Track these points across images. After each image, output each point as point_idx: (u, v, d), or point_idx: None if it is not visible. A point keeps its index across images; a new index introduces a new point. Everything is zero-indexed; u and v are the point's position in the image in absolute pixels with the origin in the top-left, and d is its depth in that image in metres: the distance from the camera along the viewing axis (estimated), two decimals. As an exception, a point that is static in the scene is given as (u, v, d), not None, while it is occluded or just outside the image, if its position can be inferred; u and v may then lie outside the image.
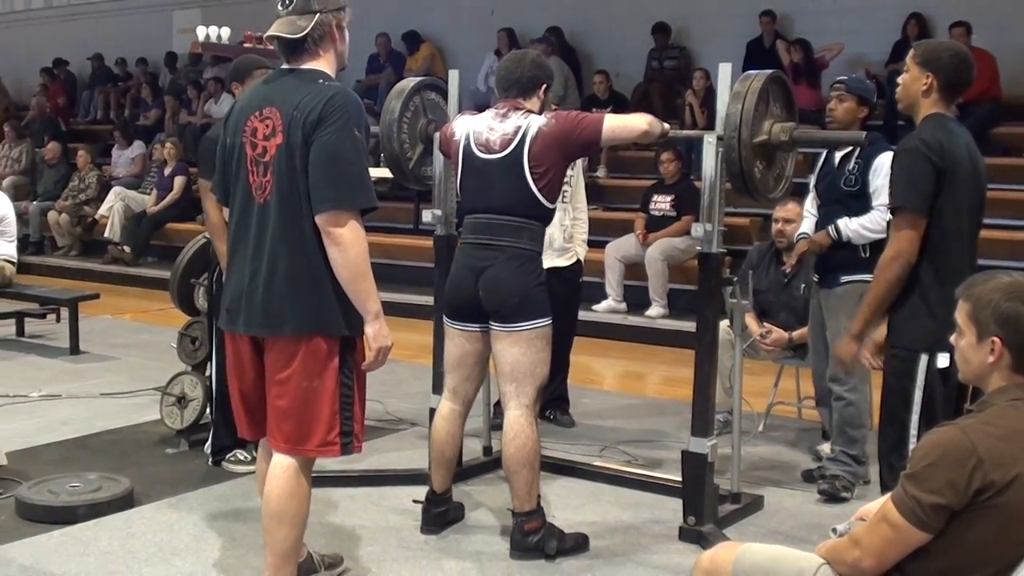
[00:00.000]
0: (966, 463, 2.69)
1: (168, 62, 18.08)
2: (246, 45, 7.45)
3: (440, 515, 5.05)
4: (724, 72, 4.88)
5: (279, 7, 3.89)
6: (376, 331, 3.85)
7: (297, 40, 3.84)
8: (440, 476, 5.01)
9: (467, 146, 4.80)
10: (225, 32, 7.59)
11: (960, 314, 2.93)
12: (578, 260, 6.79)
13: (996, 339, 2.82)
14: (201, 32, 7.46)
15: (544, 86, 4.85)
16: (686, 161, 10.55)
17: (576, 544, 4.83)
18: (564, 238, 6.62)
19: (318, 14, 3.83)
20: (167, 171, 14.22)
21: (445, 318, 4.94)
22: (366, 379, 4.01)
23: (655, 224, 10.25)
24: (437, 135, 5.35)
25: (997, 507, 2.70)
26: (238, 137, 3.92)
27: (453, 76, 5.73)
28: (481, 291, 4.68)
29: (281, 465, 3.91)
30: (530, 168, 4.63)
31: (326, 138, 3.71)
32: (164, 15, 18.22)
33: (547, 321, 4.74)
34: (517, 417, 4.70)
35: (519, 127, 4.69)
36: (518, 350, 4.68)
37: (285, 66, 3.95)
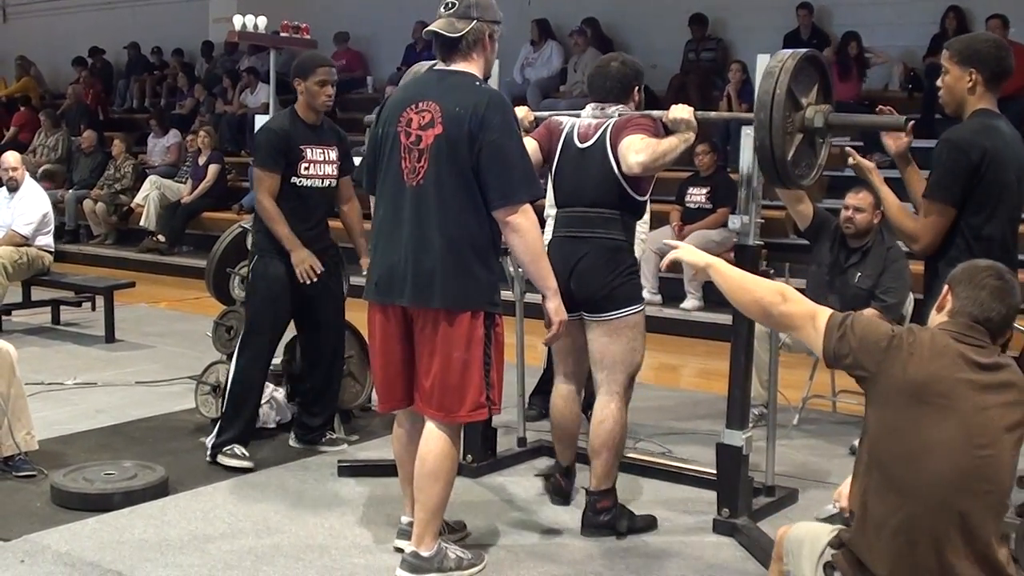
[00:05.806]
0: (885, 339, 3.08)
1: (204, 51, 18.15)
2: (283, 35, 7.47)
3: (568, 487, 5.32)
4: (761, 64, 4.66)
5: (441, 8, 4.25)
6: (556, 306, 4.31)
7: (453, 40, 4.22)
8: (564, 450, 5.24)
9: (569, 134, 4.99)
10: (262, 21, 7.59)
11: None
12: None
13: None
14: (238, 21, 7.46)
15: (636, 87, 5.02)
16: (722, 153, 10.51)
17: (646, 525, 4.99)
18: None
19: (475, 21, 4.21)
20: (201, 160, 14.24)
21: None
22: (503, 350, 4.36)
23: (691, 216, 10.23)
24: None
25: (877, 395, 3.08)
26: (391, 127, 4.27)
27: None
28: (573, 284, 4.79)
29: (436, 430, 4.28)
30: (613, 155, 4.78)
31: (494, 140, 4.08)
32: (200, 4, 18.23)
33: (636, 309, 4.89)
34: (607, 403, 4.88)
35: (609, 117, 4.90)
36: (607, 339, 4.86)
37: (440, 66, 4.32)
